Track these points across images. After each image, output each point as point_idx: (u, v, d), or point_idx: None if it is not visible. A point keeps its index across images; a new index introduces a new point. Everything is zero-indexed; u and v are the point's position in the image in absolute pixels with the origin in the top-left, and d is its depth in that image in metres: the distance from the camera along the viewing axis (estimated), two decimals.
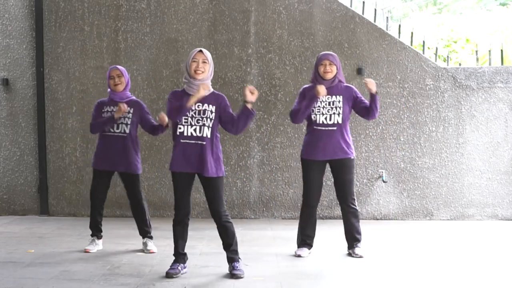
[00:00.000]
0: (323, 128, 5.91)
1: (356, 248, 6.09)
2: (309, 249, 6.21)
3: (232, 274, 5.32)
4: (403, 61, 8.16)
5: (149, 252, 6.27)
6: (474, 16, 14.20)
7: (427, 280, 5.26)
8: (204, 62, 5.30)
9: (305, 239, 6.19)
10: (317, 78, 5.97)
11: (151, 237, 6.40)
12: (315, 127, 5.95)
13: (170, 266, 5.42)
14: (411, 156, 8.17)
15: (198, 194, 8.28)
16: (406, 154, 8.18)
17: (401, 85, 8.15)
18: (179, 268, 5.41)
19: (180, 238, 5.48)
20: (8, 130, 8.41)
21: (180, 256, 5.47)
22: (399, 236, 7.17)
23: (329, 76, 5.91)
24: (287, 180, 8.25)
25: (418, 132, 8.15)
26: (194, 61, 5.28)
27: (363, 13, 8.47)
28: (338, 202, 6.16)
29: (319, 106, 5.91)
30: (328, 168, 6.13)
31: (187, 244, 6.62)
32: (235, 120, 5.31)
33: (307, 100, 5.91)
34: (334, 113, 5.90)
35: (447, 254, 6.23)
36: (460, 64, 9.26)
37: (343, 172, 6.01)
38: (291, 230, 7.40)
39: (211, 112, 5.28)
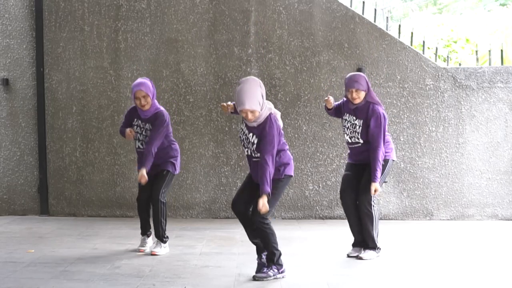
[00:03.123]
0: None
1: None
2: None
3: None
4: (403, 61, 8.16)
5: (152, 254, 6.17)
6: (474, 16, 14.21)
7: (427, 280, 5.26)
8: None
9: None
10: (348, 101, 6.22)
11: (162, 241, 6.24)
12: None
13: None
14: (411, 156, 8.16)
15: (198, 194, 8.29)
16: (406, 154, 8.17)
17: (401, 85, 8.15)
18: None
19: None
20: (8, 130, 8.41)
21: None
22: (399, 236, 7.17)
23: (357, 101, 6.08)
24: None
25: (418, 132, 8.15)
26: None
27: (363, 13, 8.47)
28: None
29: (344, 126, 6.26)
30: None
31: (186, 243, 6.65)
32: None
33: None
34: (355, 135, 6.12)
35: (447, 254, 6.24)
36: (460, 64, 9.25)
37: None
38: (291, 230, 7.39)
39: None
